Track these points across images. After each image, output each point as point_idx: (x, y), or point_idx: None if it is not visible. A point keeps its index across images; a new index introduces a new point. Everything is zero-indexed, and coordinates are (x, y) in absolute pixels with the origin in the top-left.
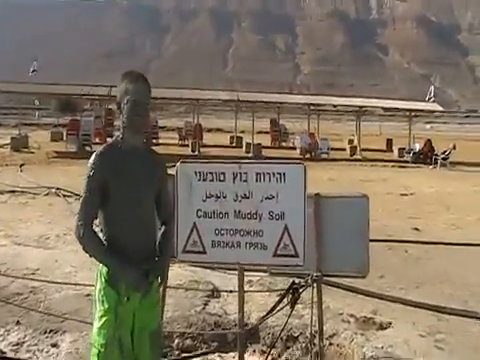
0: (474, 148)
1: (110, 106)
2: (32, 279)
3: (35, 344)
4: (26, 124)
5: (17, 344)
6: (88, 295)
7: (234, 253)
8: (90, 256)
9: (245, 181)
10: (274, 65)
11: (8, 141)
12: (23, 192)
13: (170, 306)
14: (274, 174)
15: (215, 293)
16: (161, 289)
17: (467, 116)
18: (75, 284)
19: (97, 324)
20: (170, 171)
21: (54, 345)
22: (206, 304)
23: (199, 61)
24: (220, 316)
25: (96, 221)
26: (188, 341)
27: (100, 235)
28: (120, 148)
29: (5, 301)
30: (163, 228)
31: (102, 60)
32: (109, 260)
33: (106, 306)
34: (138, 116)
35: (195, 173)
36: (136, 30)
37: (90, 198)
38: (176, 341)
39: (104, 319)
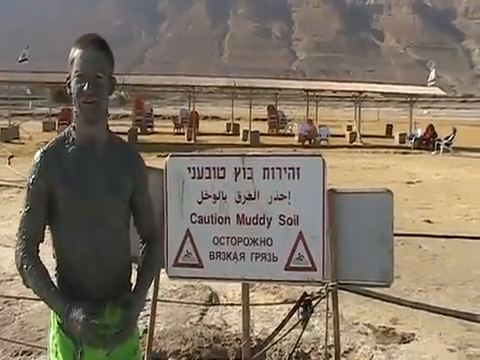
0: (474, 133)
1: None
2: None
3: None
4: (19, 114)
5: None
6: None
7: (237, 267)
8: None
9: (250, 178)
10: (270, 52)
11: None
12: (8, 186)
13: (162, 318)
14: (286, 169)
15: (213, 300)
16: (151, 302)
17: (464, 101)
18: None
19: None
20: (159, 165)
21: None
22: (203, 314)
23: (195, 49)
24: (219, 329)
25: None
26: None
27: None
28: (73, 143)
29: None
30: (144, 248)
31: None
32: (55, 302)
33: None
34: (87, 96)
35: (188, 169)
36: (131, 18)
37: (32, 215)
38: None
39: None
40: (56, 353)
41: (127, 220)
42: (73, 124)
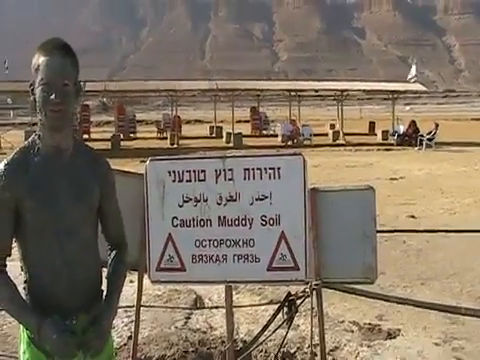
0: (455, 127)
1: (86, 102)
2: None
3: None
4: (0, 124)
5: None
6: None
7: (220, 269)
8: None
9: (231, 180)
10: (252, 54)
11: None
12: None
13: (147, 323)
14: (266, 169)
15: (198, 303)
16: (134, 308)
17: (445, 96)
18: None
19: None
20: (142, 170)
21: None
22: (188, 318)
23: (177, 53)
24: (205, 332)
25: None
26: None
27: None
28: (38, 153)
29: None
30: (113, 255)
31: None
32: (25, 319)
33: None
34: (54, 105)
35: (169, 172)
36: (111, 24)
37: None
38: None
39: None
40: None
41: (96, 228)
42: (38, 133)
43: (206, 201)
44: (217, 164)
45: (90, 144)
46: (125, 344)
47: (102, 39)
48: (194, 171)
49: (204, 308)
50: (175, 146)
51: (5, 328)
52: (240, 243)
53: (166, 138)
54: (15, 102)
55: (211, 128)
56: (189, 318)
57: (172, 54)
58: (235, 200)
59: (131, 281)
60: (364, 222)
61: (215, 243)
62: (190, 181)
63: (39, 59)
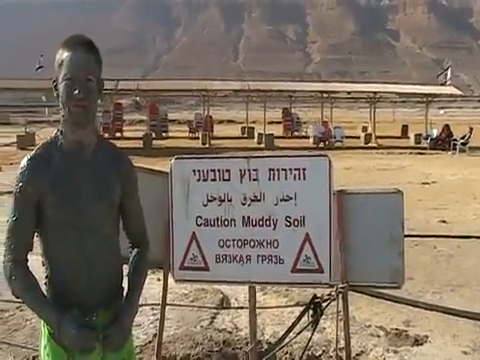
0: None
1: (119, 100)
2: None
3: None
4: (35, 121)
5: None
6: None
7: (243, 269)
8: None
9: (255, 180)
10: (285, 55)
11: (14, 139)
12: None
13: (172, 322)
14: (291, 170)
15: (224, 303)
16: (160, 306)
17: None
18: None
19: None
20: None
21: None
22: (214, 317)
23: (210, 53)
24: (230, 332)
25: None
26: None
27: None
28: (60, 148)
29: None
30: (134, 253)
31: (110, 56)
32: (45, 315)
33: None
34: (78, 100)
35: (193, 171)
36: (145, 24)
37: (19, 224)
38: None
39: None
40: None
41: (117, 225)
42: (60, 128)
43: (230, 201)
44: (242, 164)
45: (122, 142)
46: (150, 342)
47: (136, 39)
48: (219, 170)
49: (230, 308)
50: (207, 146)
51: (34, 321)
52: (264, 244)
53: (198, 138)
54: (49, 100)
55: (243, 128)
56: (215, 318)
57: (205, 54)
58: (259, 200)
59: (158, 279)
60: (392, 226)
61: (239, 243)
62: (215, 180)
63: (63, 55)
